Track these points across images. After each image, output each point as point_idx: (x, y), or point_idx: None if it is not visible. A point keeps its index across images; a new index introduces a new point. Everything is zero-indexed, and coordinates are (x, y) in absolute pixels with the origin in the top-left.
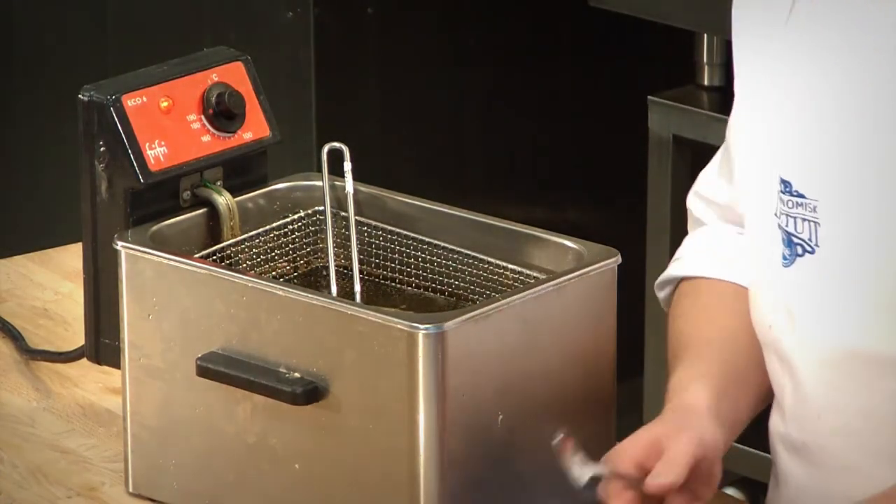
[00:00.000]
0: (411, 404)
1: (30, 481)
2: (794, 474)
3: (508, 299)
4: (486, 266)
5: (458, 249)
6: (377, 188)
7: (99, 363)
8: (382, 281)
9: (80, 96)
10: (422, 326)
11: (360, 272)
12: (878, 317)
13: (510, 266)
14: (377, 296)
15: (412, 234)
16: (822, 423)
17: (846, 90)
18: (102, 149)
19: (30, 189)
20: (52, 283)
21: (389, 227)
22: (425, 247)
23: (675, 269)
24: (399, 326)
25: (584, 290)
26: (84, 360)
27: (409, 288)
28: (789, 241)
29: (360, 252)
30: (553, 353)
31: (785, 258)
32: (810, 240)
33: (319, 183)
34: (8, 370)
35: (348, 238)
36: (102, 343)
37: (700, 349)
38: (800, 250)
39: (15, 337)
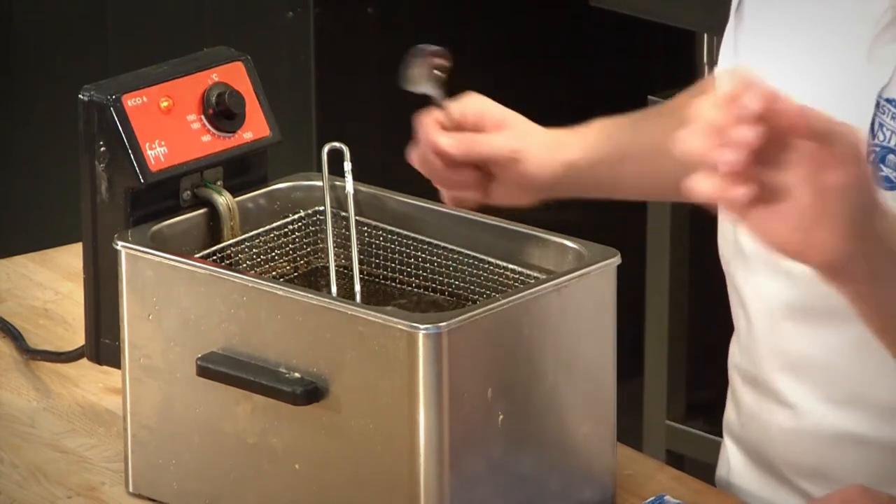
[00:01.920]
0: (411, 404)
1: (30, 481)
2: (745, 401)
3: (508, 299)
4: (486, 266)
5: (458, 249)
6: (377, 188)
7: (99, 363)
8: (382, 281)
9: (80, 96)
10: (422, 326)
11: (360, 272)
12: None
13: (510, 266)
14: (377, 296)
15: (412, 234)
16: (768, 361)
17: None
18: (102, 149)
19: (30, 189)
20: (52, 282)
21: (389, 227)
22: (425, 247)
23: None
24: (399, 326)
25: (584, 290)
26: (84, 360)
27: (409, 288)
28: None
29: (360, 252)
30: (553, 353)
31: None
32: None
33: (319, 183)
34: (8, 370)
35: (348, 238)
36: (102, 343)
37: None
38: None
39: (15, 337)
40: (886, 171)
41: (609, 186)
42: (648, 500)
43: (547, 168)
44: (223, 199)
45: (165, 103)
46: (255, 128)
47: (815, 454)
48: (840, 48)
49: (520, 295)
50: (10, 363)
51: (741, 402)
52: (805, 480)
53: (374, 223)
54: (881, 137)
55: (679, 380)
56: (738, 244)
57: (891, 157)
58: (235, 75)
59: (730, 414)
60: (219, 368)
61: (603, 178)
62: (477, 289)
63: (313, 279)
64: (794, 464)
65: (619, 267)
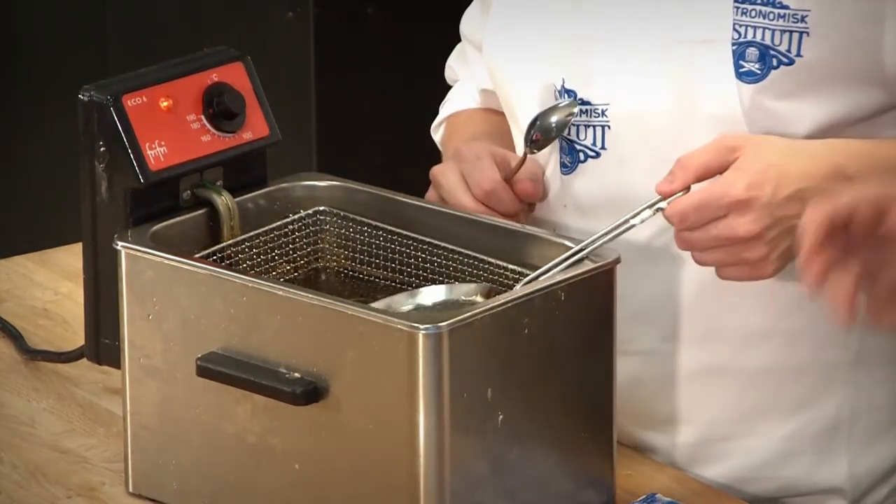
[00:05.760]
0: (411, 404)
1: (29, 481)
2: None
3: (508, 299)
4: (486, 266)
5: (458, 249)
6: (377, 188)
7: (99, 363)
8: (382, 281)
9: (79, 96)
10: (422, 326)
11: (360, 272)
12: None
13: (510, 266)
14: (378, 296)
15: (412, 234)
16: (619, 308)
17: None
18: (102, 149)
19: (30, 189)
20: (51, 282)
21: (389, 227)
22: (425, 247)
23: (444, 111)
24: (399, 326)
25: (584, 290)
26: (84, 360)
27: (410, 288)
28: (571, 148)
29: (359, 252)
30: (553, 353)
31: (565, 166)
32: (594, 144)
33: (319, 183)
34: (8, 370)
35: (348, 238)
36: (102, 343)
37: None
38: (582, 156)
39: (15, 337)
40: (748, 66)
41: None
42: (640, 498)
43: None
44: (223, 200)
45: (165, 103)
46: (255, 128)
47: (665, 398)
48: None
49: (520, 295)
50: (9, 363)
51: None
52: (648, 430)
53: (374, 223)
54: (735, 36)
55: None
56: (570, 207)
57: (750, 49)
58: (235, 75)
59: None
60: (219, 368)
61: None
62: None
63: (313, 279)
64: (637, 414)
65: (618, 267)
